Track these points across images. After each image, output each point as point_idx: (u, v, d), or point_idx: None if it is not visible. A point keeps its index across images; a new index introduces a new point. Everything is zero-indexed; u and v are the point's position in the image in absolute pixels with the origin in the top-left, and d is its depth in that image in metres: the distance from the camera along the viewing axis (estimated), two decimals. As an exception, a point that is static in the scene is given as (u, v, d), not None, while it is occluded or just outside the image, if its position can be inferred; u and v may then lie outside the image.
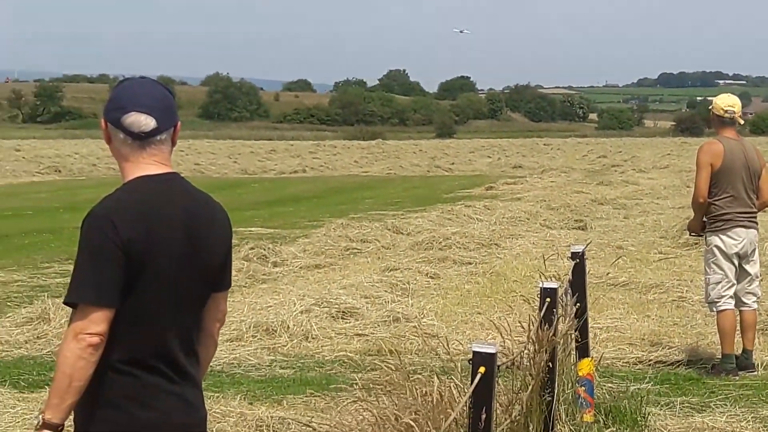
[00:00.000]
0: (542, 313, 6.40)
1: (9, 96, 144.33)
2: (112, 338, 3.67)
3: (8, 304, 13.19)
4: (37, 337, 10.95)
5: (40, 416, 3.64)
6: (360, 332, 11.21)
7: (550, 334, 6.26)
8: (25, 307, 12.32)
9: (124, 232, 3.67)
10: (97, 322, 3.63)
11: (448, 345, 8.00)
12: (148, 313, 3.74)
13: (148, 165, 3.85)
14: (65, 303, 3.71)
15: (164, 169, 3.88)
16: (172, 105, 3.94)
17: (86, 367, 3.61)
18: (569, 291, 7.72)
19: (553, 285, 6.68)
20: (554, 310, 6.55)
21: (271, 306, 12.04)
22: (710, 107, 10.12)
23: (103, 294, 3.64)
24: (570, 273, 8.03)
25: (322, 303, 11.98)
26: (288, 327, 11.02)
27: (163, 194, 3.83)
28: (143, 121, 3.83)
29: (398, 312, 11.69)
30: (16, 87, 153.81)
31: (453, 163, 55.36)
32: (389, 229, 20.19)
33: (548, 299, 6.53)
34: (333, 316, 11.65)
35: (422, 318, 11.54)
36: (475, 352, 4.63)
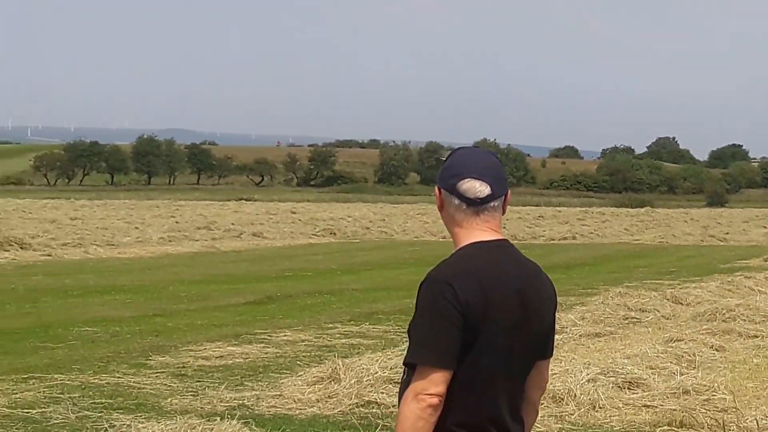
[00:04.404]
0: None
1: (285, 160, 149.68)
2: (448, 401, 3.72)
3: (298, 363, 13.52)
4: (329, 396, 11.16)
5: None
6: (648, 403, 11.00)
7: None
8: (314, 366, 12.61)
9: (463, 296, 3.72)
10: (437, 383, 3.69)
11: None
12: (482, 378, 3.78)
13: (481, 231, 3.89)
14: (405, 363, 3.78)
15: (496, 235, 3.91)
16: (503, 173, 3.98)
17: (425, 427, 3.67)
18: None
19: None
20: None
21: (556, 373, 11.94)
22: None
23: (444, 356, 3.70)
24: None
25: (607, 372, 11.82)
26: (575, 395, 10.92)
27: (498, 261, 3.86)
28: (478, 188, 3.88)
29: (687, 384, 11.40)
30: (292, 151, 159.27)
31: (727, 233, 53.74)
32: (668, 299, 19.83)
33: None
34: (620, 386, 11.48)
35: (713, 391, 11.21)
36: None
